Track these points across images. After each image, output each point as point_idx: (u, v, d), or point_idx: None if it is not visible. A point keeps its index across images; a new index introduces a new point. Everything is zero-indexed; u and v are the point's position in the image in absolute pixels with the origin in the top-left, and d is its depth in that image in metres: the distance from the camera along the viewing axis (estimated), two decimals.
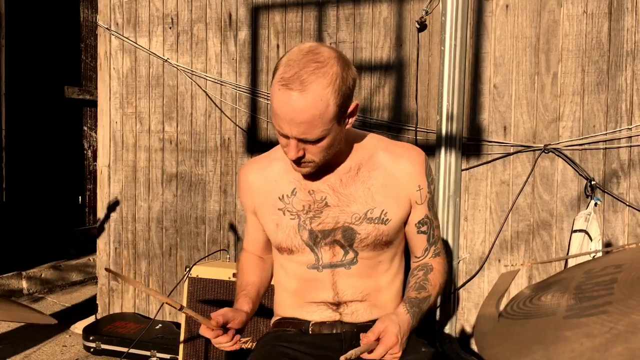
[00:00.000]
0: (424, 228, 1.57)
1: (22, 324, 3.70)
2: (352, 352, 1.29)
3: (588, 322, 0.50)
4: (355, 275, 1.53)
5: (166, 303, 1.35)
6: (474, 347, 2.90)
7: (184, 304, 2.57)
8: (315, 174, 1.51)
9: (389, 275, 1.57)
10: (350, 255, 1.52)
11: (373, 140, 1.57)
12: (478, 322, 0.64)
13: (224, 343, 1.44)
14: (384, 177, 1.51)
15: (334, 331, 1.53)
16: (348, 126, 1.44)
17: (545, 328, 0.53)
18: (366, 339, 1.37)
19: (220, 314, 1.44)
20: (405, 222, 1.56)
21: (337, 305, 1.55)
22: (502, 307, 0.64)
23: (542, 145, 2.75)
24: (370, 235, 1.50)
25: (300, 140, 1.37)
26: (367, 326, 1.52)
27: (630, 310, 0.50)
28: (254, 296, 1.62)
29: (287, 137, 1.38)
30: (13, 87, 4.55)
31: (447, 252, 2.83)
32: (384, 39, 3.00)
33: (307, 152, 1.40)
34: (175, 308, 1.36)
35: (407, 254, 1.66)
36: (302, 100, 1.31)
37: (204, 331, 1.43)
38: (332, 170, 1.52)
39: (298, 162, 1.42)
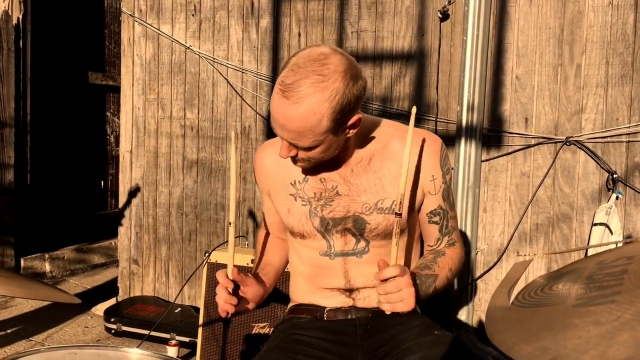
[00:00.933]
0: (435, 218, 1.56)
1: (45, 304, 3.79)
2: None
3: (596, 311, 0.51)
4: (367, 263, 1.53)
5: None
6: None
7: (203, 288, 2.61)
8: (326, 164, 1.51)
9: (402, 263, 1.58)
10: (362, 244, 1.53)
11: (388, 129, 1.56)
12: (489, 309, 0.65)
13: (221, 296, 1.45)
14: (396, 167, 1.49)
15: (349, 316, 1.54)
16: (349, 135, 1.43)
17: (554, 316, 0.54)
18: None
19: (242, 274, 1.47)
20: (418, 211, 1.56)
21: (350, 291, 1.56)
22: (514, 295, 0.66)
23: (564, 138, 2.73)
24: (380, 225, 1.50)
25: (291, 144, 1.38)
26: (380, 311, 1.53)
27: (637, 300, 0.51)
28: (272, 277, 1.65)
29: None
30: (38, 72, 4.62)
31: (465, 243, 2.83)
32: (405, 28, 2.99)
33: (300, 153, 1.41)
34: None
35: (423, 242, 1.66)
36: (294, 111, 1.31)
37: (220, 274, 1.46)
38: (344, 160, 1.52)
39: (292, 160, 1.44)
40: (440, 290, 1.50)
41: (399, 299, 1.31)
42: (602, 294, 0.54)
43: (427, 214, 1.56)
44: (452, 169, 1.61)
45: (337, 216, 1.52)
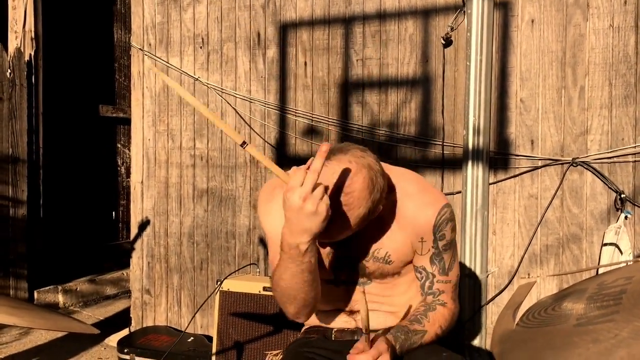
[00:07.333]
0: (418, 275, 1.61)
1: (59, 336, 3.80)
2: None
3: (596, 329, 0.53)
4: (370, 292, 1.59)
5: (227, 134, 1.33)
6: None
7: (215, 317, 2.62)
8: None
9: (407, 295, 1.63)
10: (364, 279, 1.62)
11: (399, 182, 1.55)
12: (495, 331, 0.67)
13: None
14: (394, 223, 1.54)
15: (356, 337, 1.59)
16: None
17: (556, 335, 0.56)
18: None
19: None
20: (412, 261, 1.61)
21: (352, 313, 1.63)
22: (519, 316, 0.68)
23: (571, 159, 2.75)
24: (376, 271, 1.59)
25: None
26: (386, 333, 1.58)
27: (634, 318, 0.53)
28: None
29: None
30: (50, 106, 4.70)
31: (475, 266, 2.83)
32: (409, 55, 3.04)
33: None
34: (237, 143, 1.33)
35: None
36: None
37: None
38: None
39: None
40: (425, 343, 1.54)
41: None
42: (601, 313, 0.56)
43: (414, 266, 1.61)
44: (447, 234, 1.55)
45: (340, 257, 1.60)
